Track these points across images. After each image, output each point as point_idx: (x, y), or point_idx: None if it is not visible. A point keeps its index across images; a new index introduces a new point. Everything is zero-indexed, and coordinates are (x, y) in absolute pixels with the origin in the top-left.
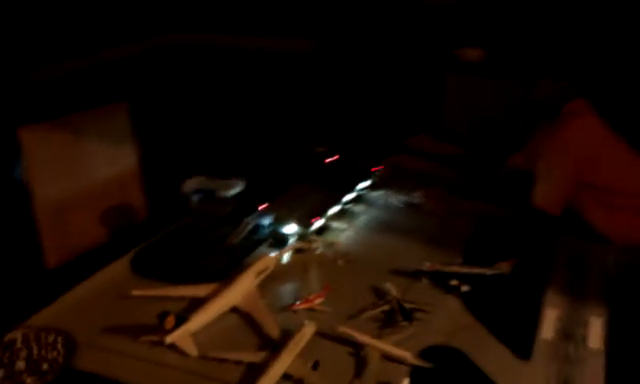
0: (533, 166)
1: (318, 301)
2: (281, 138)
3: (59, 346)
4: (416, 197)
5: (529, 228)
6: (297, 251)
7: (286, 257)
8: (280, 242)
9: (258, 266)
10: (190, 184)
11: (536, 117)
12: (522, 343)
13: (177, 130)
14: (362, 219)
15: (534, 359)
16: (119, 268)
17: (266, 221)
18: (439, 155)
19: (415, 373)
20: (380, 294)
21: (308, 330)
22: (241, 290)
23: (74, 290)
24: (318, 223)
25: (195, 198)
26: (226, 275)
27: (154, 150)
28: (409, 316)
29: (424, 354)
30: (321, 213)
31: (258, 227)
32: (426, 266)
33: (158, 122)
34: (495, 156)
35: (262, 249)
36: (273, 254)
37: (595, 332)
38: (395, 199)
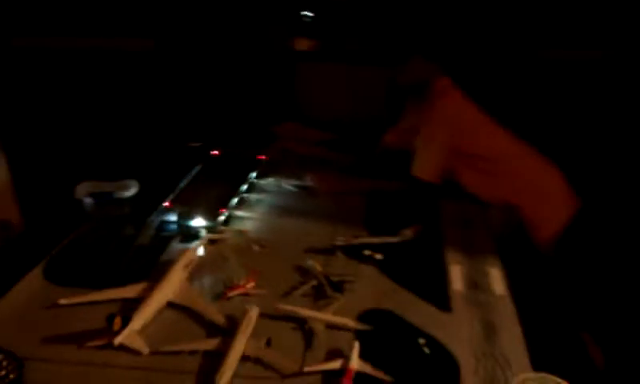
0: (407, 142)
1: (251, 285)
2: (154, 136)
3: (5, 364)
4: (308, 180)
5: (416, 197)
6: (210, 243)
7: (201, 250)
8: (189, 236)
9: (183, 260)
10: (83, 189)
11: (402, 98)
12: (440, 297)
13: (41, 137)
14: (262, 206)
15: (454, 309)
16: (34, 279)
17: (171, 217)
18: (309, 140)
19: (360, 336)
20: (304, 272)
21: (254, 312)
22: (173, 285)
23: None
24: (225, 214)
25: (89, 202)
26: (145, 275)
27: (22, 160)
28: (339, 287)
29: (361, 319)
30: (222, 204)
31: (163, 224)
32: (340, 240)
33: (20, 130)
34: (365, 137)
35: (174, 245)
36: (192, 247)
37: (497, 280)
38: (289, 184)
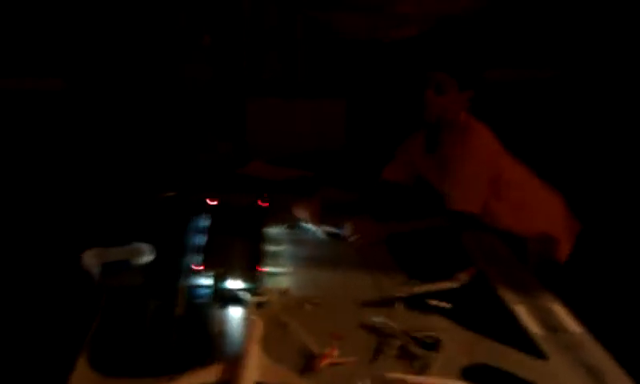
0: (409, 176)
1: (336, 352)
2: (106, 187)
3: None
4: (343, 228)
5: (457, 233)
6: (257, 307)
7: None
8: (228, 300)
9: (255, 333)
10: (91, 258)
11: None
12: (528, 344)
13: None
14: (288, 259)
15: (549, 356)
16: (83, 373)
17: (203, 281)
18: (280, 181)
19: None
20: (374, 330)
21: (258, 322)
22: (256, 364)
23: None
24: (266, 273)
25: (101, 271)
26: (206, 352)
27: None
28: (433, 346)
29: (465, 377)
30: (253, 261)
31: (193, 290)
32: (402, 291)
33: None
34: (339, 173)
35: (217, 313)
36: (253, 317)
37: (566, 317)
38: (323, 232)
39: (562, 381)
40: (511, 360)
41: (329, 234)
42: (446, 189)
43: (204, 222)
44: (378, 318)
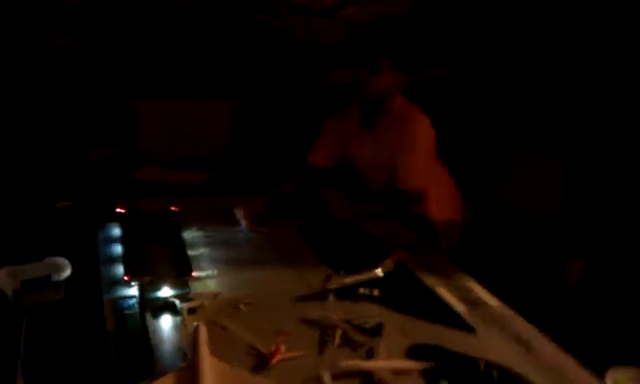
0: (336, 158)
1: (284, 348)
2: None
3: None
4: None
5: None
6: (189, 312)
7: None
8: (159, 309)
9: (201, 338)
10: (4, 276)
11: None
12: (457, 321)
13: None
14: (215, 261)
15: (477, 330)
16: None
17: (128, 291)
18: (182, 184)
19: (426, 376)
20: (313, 324)
21: (202, 327)
22: (211, 370)
23: None
24: (197, 278)
25: (22, 290)
26: (149, 365)
27: None
28: (377, 331)
29: (410, 357)
30: (179, 268)
31: (119, 302)
32: (333, 283)
33: None
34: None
35: (151, 323)
36: (198, 323)
37: (483, 293)
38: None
39: (493, 349)
40: (445, 337)
41: (257, 233)
42: (398, 171)
43: (115, 230)
44: (315, 312)
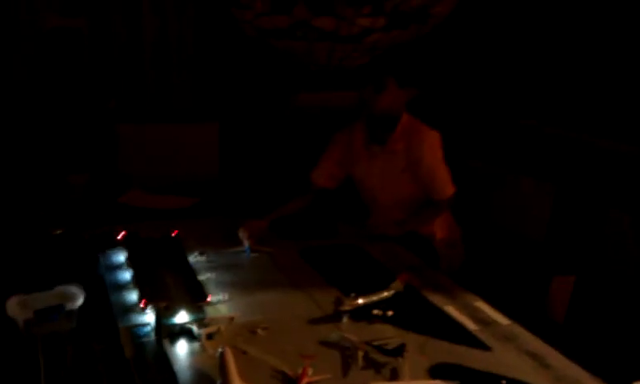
0: (338, 179)
1: (311, 371)
2: None
3: None
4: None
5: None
6: (208, 338)
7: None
8: (177, 335)
9: (231, 365)
10: (17, 306)
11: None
12: (471, 340)
13: None
14: (223, 285)
15: (492, 347)
16: None
17: (144, 319)
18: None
19: None
20: (334, 345)
21: (228, 352)
22: None
23: None
24: (211, 302)
25: (34, 319)
26: None
27: None
28: (399, 351)
29: (435, 377)
30: (193, 292)
31: (135, 330)
32: (346, 305)
33: None
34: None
35: (170, 350)
36: (224, 350)
37: (492, 312)
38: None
39: (510, 366)
40: (463, 355)
41: (260, 253)
42: (433, 184)
43: (116, 256)
44: (333, 334)
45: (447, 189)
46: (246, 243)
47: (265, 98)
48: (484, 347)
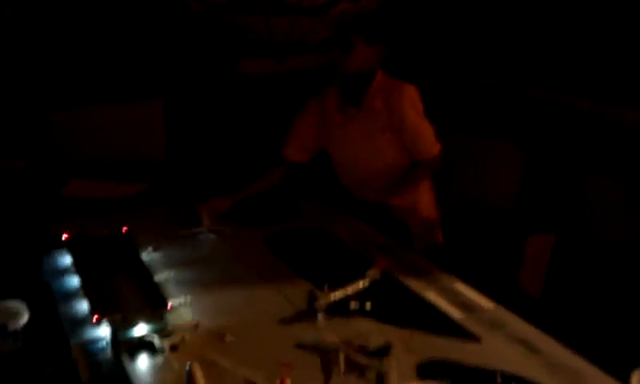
0: (311, 151)
1: (289, 381)
2: None
3: None
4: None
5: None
6: (172, 350)
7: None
8: (135, 350)
9: (200, 381)
10: None
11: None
12: (457, 329)
13: None
14: (184, 285)
15: (480, 337)
16: None
17: (98, 333)
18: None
19: None
20: (312, 348)
21: (196, 368)
22: None
23: None
24: (173, 308)
25: None
26: None
27: None
28: (382, 351)
29: (421, 375)
30: (150, 298)
31: (88, 346)
32: (320, 301)
33: None
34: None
35: (130, 366)
36: (192, 364)
37: (475, 296)
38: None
39: (500, 356)
40: (451, 349)
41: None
42: (419, 141)
43: (62, 259)
44: (309, 335)
45: (433, 146)
46: (206, 223)
47: (208, 69)
48: (472, 338)
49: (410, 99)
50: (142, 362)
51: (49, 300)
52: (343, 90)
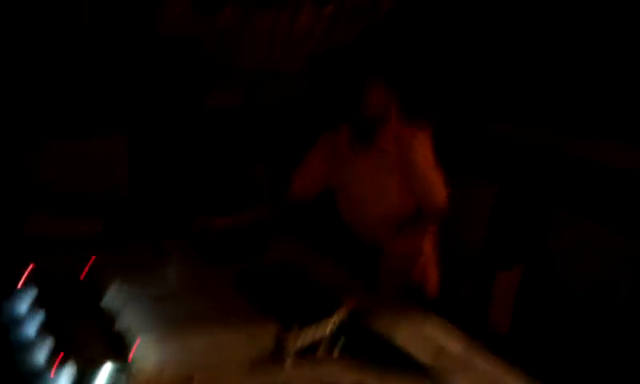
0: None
1: None
2: None
3: None
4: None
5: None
6: None
7: None
8: None
9: None
10: None
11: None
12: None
13: None
14: (146, 325)
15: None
16: None
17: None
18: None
19: None
20: None
21: None
22: None
23: None
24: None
25: None
26: None
27: None
28: None
29: None
30: (113, 342)
31: None
32: (290, 344)
33: None
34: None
35: None
36: None
37: (443, 337)
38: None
39: None
40: None
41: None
42: (418, 192)
43: (23, 303)
44: (279, 379)
45: (440, 199)
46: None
47: (174, 102)
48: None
49: (420, 146)
50: None
51: (7, 350)
52: (355, 128)
